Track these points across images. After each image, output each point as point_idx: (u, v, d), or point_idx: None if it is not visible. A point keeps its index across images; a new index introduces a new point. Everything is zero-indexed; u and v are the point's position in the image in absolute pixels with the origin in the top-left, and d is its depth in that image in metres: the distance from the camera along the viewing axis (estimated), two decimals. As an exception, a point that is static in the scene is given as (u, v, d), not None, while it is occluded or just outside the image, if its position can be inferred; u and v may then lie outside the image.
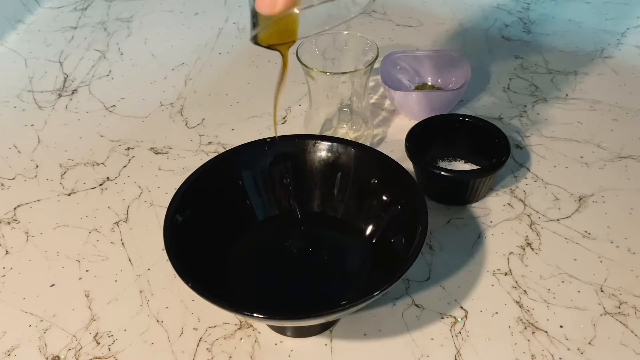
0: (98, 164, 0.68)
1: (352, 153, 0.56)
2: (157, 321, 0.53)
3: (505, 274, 0.55)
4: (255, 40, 0.44)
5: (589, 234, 0.58)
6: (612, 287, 0.54)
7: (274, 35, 0.46)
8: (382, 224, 0.54)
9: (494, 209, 0.61)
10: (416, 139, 0.62)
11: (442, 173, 0.59)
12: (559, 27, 0.87)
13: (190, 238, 0.51)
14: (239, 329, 0.52)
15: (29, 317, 0.53)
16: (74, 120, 0.74)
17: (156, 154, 0.69)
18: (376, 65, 0.64)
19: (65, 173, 0.67)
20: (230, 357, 0.50)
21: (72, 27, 0.92)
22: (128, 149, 0.70)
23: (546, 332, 0.51)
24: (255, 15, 0.43)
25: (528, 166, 0.65)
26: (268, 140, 0.56)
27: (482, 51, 0.83)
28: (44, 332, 0.52)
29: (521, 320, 0.51)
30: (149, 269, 0.57)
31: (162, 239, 0.48)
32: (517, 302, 0.53)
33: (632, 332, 0.50)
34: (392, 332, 0.51)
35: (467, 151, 0.64)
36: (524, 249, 0.57)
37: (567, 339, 0.50)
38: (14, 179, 0.67)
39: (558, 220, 0.60)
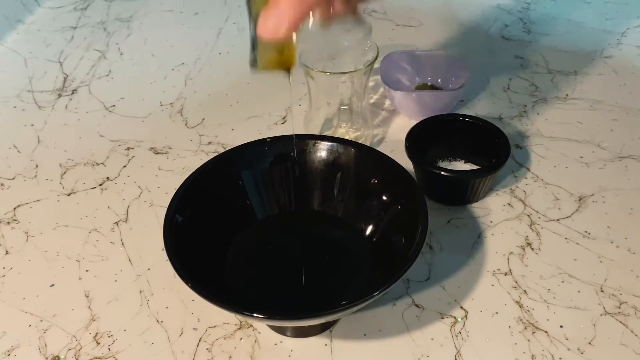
0: (98, 164, 0.68)
1: (352, 153, 0.56)
2: (157, 321, 0.53)
3: (505, 274, 0.55)
4: (254, 65, 0.44)
5: (589, 234, 0.58)
6: (612, 287, 0.54)
7: (273, 61, 0.45)
8: (382, 224, 0.54)
9: (494, 209, 0.61)
10: (416, 139, 0.62)
11: (442, 173, 0.59)
12: (559, 27, 0.87)
13: (190, 238, 0.50)
14: (239, 329, 0.52)
15: (28, 317, 0.53)
16: (74, 120, 0.74)
17: (156, 154, 0.69)
18: (376, 65, 0.64)
19: (65, 173, 0.67)
20: (230, 357, 0.50)
21: (72, 27, 0.92)
22: (128, 149, 0.70)
23: (546, 332, 0.51)
24: (255, 41, 0.43)
25: (528, 166, 0.65)
26: (268, 140, 0.56)
27: (482, 51, 0.83)
28: (44, 332, 0.52)
29: (521, 320, 0.51)
30: (149, 269, 0.57)
31: (162, 239, 0.48)
32: (517, 302, 0.53)
33: (632, 332, 0.50)
34: (392, 332, 0.51)
35: (467, 151, 0.64)
36: (524, 249, 0.57)
37: (567, 339, 0.50)
38: (13, 179, 0.67)
39: (558, 220, 0.60)
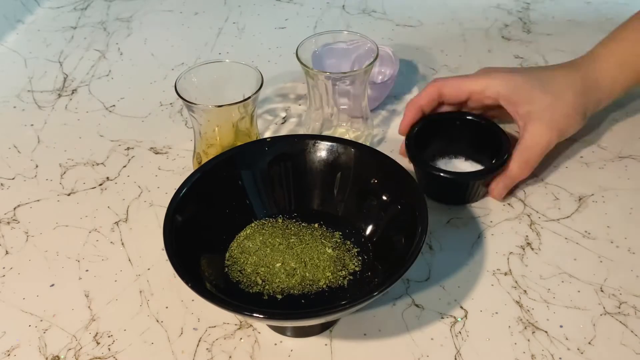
0: (98, 164, 0.68)
1: (352, 153, 0.56)
2: (157, 321, 0.53)
3: (505, 273, 0.55)
4: None
5: (589, 234, 0.58)
6: (612, 287, 0.54)
7: None
8: (382, 223, 0.54)
9: (494, 209, 0.61)
10: (416, 138, 0.62)
11: (442, 174, 0.58)
12: (559, 27, 0.87)
13: (190, 238, 0.50)
14: (239, 329, 0.52)
15: (28, 317, 0.53)
16: (74, 120, 0.74)
17: (156, 154, 0.69)
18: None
19: (65, 173, 0.67)
20: (230, 357, 0.50)
21: (71, 27, 0.92)
22: (128, 149, 0.70)
23: (546, 332, 0.51)
24: None
25: (528, 166, 0.65)
26: (268, 140, 0.56)
27: (482, 51, 0.83)
28: (44, 332, 0.52)
29: (521, 320, 0.51)
30: (149, 269, 0.57)
31: (162, 239, 0.48)
32: (517, 302, 0.53)
33: (632, 332, 0.50)
34: (392, 332, 0.51)
35: (468, 149, 0.64)
36: (523, 249, 0.57)
37: (567, 339, 0.50)
38: (13, 179, 0.67)
39: (558, 220, 0.60)
